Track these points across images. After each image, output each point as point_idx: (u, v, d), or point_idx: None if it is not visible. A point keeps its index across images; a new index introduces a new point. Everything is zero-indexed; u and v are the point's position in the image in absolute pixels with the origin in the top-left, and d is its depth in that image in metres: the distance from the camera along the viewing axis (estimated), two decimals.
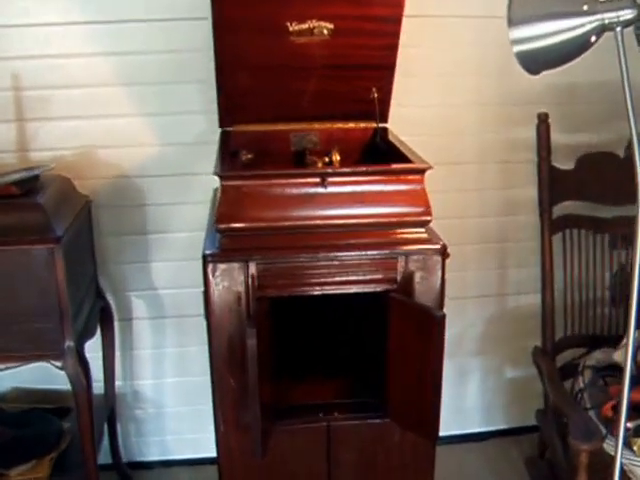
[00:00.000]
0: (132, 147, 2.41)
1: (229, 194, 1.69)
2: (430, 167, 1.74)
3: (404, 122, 2.27)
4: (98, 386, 2.44)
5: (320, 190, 1.70)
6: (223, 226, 1.69)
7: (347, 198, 1.73)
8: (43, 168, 2.11)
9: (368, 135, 2.20)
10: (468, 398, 2.83)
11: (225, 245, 1.71)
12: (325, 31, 1.97)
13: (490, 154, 2.55)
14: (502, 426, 2.86)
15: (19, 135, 2.35)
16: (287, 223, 1.71)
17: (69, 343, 1.99)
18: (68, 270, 1.96)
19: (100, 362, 2.46)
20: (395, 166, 1.77)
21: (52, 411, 2.45)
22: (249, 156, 2.06)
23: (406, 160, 1.82)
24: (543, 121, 2.25)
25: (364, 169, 1.74)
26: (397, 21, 1.97)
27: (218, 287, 1.70)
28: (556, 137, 2.37)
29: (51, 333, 1.98)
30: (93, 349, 2.38)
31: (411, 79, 2.33)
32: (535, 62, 1.33)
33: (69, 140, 2.37)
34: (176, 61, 2.32)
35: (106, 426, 2.49)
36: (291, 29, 1.96)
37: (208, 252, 1.70)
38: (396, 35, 2.00)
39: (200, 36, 2.17)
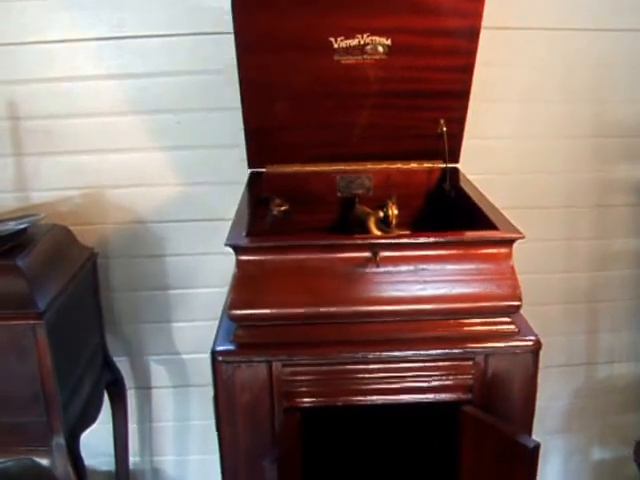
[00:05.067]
0: (149, 187, 2.05)
1: (247, 272, 1.26)
2: (522, 236, 1.28)
3: (474, 157, 1.86)
4: (109, 462, 2.19)
5: (370, 267, 1.26)
6: (239, 313, 1.27)
7: (405, 277, 1.28)
8: (32, 219, 1.73)
9: (434, 178, 1.76)
10: None
11: (242, 339, 1.29)
12: (380, 48, 1.54)
13: (581, 196, 2.13)
14: None
15: (16, 172, 2.02)
16: (324, 310, 1.28)
17: (58, 440, 1.62)
18: (58, 348, 1.61)
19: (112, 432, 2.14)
20: (474, 235, 1.31)
21: None
22: (282, 208, 1.63)
23: (487, 222, 1.36)
24: None
25: (433, 239, 1.28)
26: (473, 35, 1.55)
27: (232, 394, 1.27)
28: None
29: (35, 427, 1.64)
30: (104, 419, 2.06)
31: (482, 105, 1.90)
32: None
33: (75, 178, 2.03)
34: (203, 84, 1.95)
35: None
36: (336, 46, 1.54)
37: (219, 348, 1.27)
38: (472, 53, 1.57)
39: (233, 54, 1.73)
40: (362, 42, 1.53)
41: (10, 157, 1.99)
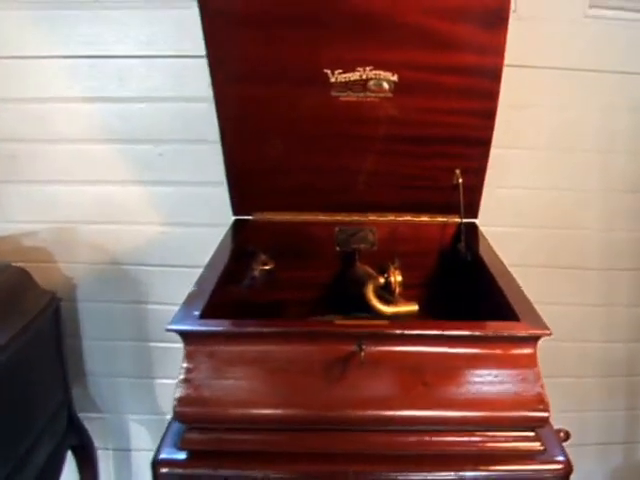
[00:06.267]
0: (128, 225, 1.83)
1: (199, 362, 1.00)
2: (548, 333, 1.00)
3: (495, 208, 1.67)
4: None
5: (354, 362, 0.99)
6: (188, 412, 1.01)
7: (400, 376, 1.01)
8: None
9: (449, 234, 1.50)
10: None
11: (192, 445, 1.03)
12: (385, 85, 1.29)
13: (620, 258, 1.87)
14: None
15: None
16: (294, 413, 1.02)
17: None
18: None
19: None
20: (488, 329, 1.04)
21: None
22: (266, 267, 1.38)
23: (507, 308, 1.08)
24: None
25: (437, 332, 1.01)
26: (495, 76, 1.29)
27: None
28: None
29: None
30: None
31: (506, 151, 1.69)
32: None
33: (44, 211, 1.82)
34: (188, 112, 1.72)
35: None
36: (333, 80, 1.29)
37: (162, 457, 1.02)
38: (493, 97, 1.31)
39: None
40: (364, 77, 1.28)
41: None
